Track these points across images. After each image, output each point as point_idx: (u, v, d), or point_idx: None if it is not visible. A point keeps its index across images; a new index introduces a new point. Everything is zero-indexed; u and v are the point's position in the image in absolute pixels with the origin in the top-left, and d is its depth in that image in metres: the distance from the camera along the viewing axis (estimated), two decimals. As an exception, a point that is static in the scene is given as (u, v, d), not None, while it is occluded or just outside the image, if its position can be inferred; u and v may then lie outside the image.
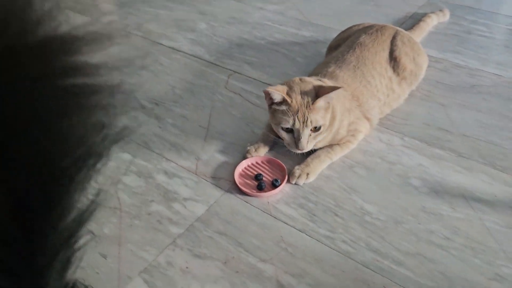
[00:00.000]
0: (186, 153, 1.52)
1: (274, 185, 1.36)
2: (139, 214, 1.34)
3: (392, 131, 1.55)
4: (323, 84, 1.33)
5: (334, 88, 1.29)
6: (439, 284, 1.12)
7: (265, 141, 1.49)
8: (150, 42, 2.10)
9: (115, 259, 1.22)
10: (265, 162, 1.45)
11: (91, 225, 1.30)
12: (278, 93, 1.30)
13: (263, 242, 1.24)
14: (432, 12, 2.07)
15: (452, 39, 1.99)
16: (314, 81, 1.35)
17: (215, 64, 1.93)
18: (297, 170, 1.38)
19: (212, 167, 1.46)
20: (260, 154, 1.47)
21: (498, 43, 1.94)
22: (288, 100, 1.31)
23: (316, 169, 1.40)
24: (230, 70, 1.88)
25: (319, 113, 1.31)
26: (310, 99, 1.30)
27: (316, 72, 1.53)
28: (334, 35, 2.02)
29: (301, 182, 1.37)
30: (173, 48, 2.05)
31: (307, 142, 1.33)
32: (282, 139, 1.40)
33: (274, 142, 1.50)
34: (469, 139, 1.50)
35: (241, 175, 1.41)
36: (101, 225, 1.31)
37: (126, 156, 1.52)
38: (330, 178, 1.40)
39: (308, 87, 1.32)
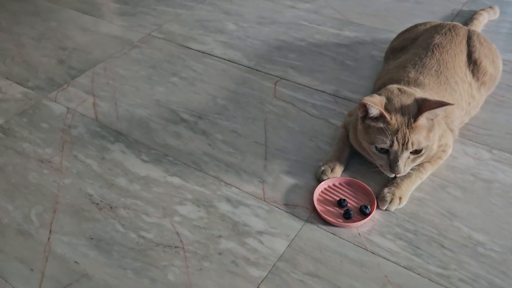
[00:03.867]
0: (247, 175, 1.30)
1: (362, 212, 1.17)
2: (208, 254, 1.11)
3: (477, 142, 1.37)
4: (428, 97, 1.14)
5: (441, 104, 1.10)
6: None
7: (339, 158, 1.29)
8: (175, 46, 1.87)
9: (189, 313, 1.00)
10: (345, 184, 1.25)
11: (152, 271, 1.08)
12: (376, 107, 1.10)
13: (366, 284, 1.04)
14: (482, 9, 1.91)
15: (510, 38, 1.83)
16: (415, 93, 1.16)
17: (256, 69, 1.71)
18: (387, 194, 1.18)
19: (281, 192, 1.25)
20: (336, 174, 1.26)
21: (560, 42, 1.80)
22: (387, 116, 1.11)
23: (408, 191, 1.21)
24: (275, 76, 1.67)
25: (422, 133, 1.13)
26: (412, 116, 1.12)
27: (392, 77, 1.34)
28: (381, 35, 1.85)
29: (393, 207, 1.18)
30: (203, 52, 1.82)
31: (404, 166, 1.15)
32: (372, 157, 1.20)
33: (349, 158, 1.30)
34: None
35: (319, 200, 1.21)
36: (164, 269, 1.08)
37: (176, 181, 1.30)
38: (423, 201, 1.21)
39: (409, 100, 1.14)
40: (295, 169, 1.31)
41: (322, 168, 1.27)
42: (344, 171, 1.29)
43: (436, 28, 1.48)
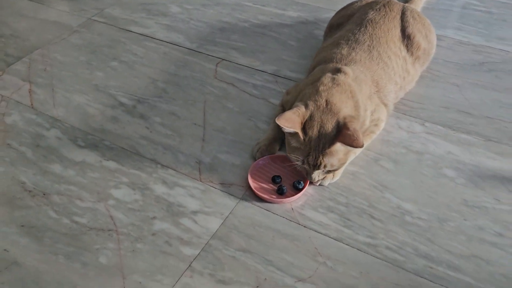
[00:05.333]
0: (184, 157, 1.30)
1: (296, 187, 1.18)
2: (142, 235, 1.11)
3: (411, 116, 1.40)
4: (349, 123, 1.11)
5: (354, 143, 1.09)
6: (503, 289, 0.99)
7: (275, 137, 1.30)
8: (116, 30, 1.83)
9: (121, 294, 1.00)
10: (280, 162, 1.26)
11: (84, 255, 1.07)
12: (289, 129, 1.11)
13: (297, 257, 1.06)
14: (423, -13, 1.94)
15: (448, 15, 1.87)
16: (343, 108, 1.15)
17: (198, 51, 1.70)
18: (320, 169, 1.20)
19: (218, 172, 1.25)
20: (272, 152, 1.27)
21: (495, 18, 1.84)
22: (301, 137, 1.13)
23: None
24: (217, 57, 1.66)
25: (337, 156, 1.14)
26: (327, 141, 1.12)
27: (326, 56, 1.35)
28: (324, 14, 1.86)
29: (327, 182, 1.20)
30: (145, 36, 1.79)
31: (318, 176, 1.17)
32: None
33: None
34: (493, 121, 1.38)
35: (255, 179, 1.22)
36: (96, 253, 1.08)
37: (112, 165, 1.28)
38: (356, 175, 1.24)
39: (331, 121, 1.13)
40: (233, 149, 1.32)
41: (258, 146, 1.28)
42: (281, 149, 1.30)
43: (371, 4, 1.49)
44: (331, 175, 1.20)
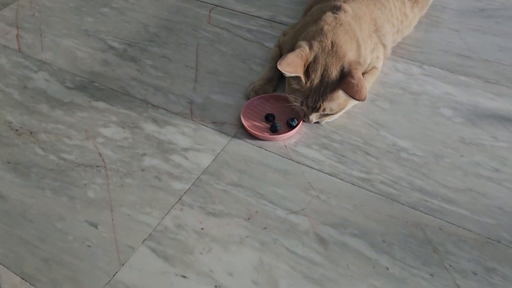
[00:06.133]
0: (176, 97, 1.27)
1: (289, 125, 1.15)
2: (131, 171, 1.08)
3: (408, 59, 1.37)
4: (354, 71, 1.07)
5: (357, 95, 1.05)
6: (499, 221, 0.97)
7: (270, 77, 1.27)
8: (107, -22, 1.78)
9: (109, 227, 0.98)
10: (275, 101, 1.23)
11: (71, 189, 1.05)
12: (290, 74, 1.07)
13: (289, 191, 1.03)
14: None
15: (448, -36, 1.82)
16: (348, 51, 1.10)
17: (191, -2, 1.65)
18: (315, 107, 1.17)
19: (210, 111, 1.22)
20: (267, 92, 1.24)
21: (497, -34, 1.79)
22: (303, 80, 1.09)
23: (337, 104, 1.20)
24: (211, 4, 1.62)
25: (337, 101, 1.10)
26: (329, 86, 1.08)
27: (323, -6, 1.31)
28: (321, -38, 1.80)
29: (323, 121, 1.17)
30: (137, -17, 1.74)
31: (315, 119, 1.15)
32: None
33: (281, 77, 1.28)
34: (491, 64, 1.35)
35: (248, 117, 1.19)
36: (83, 187, 1.05)
37: (101, 105, 1.25)
38: (352, 114, 1.21)
39: (336, 64, 1.08)
40: (226, 90, 1.28)
41: (252, 85, 1.25)
42: (276, 90, 1.27)
43: None
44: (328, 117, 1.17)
